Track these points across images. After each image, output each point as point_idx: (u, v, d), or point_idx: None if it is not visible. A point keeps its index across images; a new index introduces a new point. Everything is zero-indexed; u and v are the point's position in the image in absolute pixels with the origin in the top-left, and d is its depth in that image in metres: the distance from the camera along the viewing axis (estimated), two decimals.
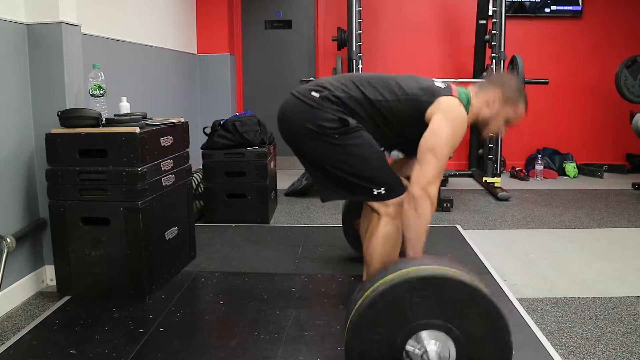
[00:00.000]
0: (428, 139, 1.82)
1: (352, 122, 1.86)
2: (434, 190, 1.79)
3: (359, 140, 1.87)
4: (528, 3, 5.28)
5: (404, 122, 1.89)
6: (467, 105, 1.92)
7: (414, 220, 1.79)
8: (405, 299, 1.36)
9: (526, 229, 3.40)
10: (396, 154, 2.08)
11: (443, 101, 1.86)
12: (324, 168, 1.92)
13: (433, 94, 1.87)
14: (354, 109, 1.88)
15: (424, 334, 1.38)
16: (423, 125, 1.85)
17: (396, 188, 1.89)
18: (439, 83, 1.93)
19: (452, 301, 1.37)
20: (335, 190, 1.97)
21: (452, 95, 1.88)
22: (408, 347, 1.39)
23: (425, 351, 1.37)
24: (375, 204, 1.91)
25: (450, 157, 1.93)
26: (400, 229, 1.90)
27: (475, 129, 2.02)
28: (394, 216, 1.89)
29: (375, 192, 1.88)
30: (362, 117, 1.89)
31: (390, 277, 1.38)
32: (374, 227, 1.93)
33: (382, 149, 1.97)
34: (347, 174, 1.89)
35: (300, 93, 1.94)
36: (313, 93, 1.90)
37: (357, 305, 1.41)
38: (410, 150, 1.96)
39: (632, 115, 4.85)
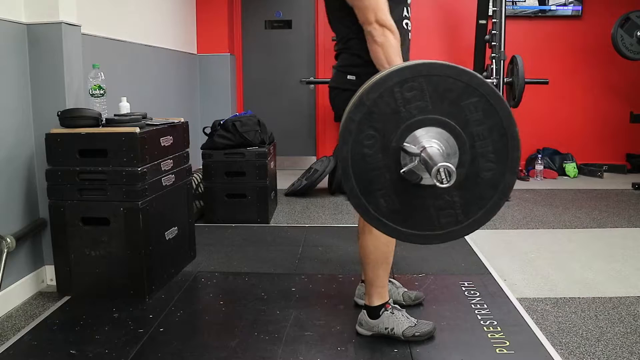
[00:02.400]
0: None
1: None
2: (383, 16, 1.68)
3: None
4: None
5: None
6: None
7: (380, 53, 1.69)
8: (395, 93, 1.22)
9: (526, 229, 3.40)
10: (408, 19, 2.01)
11: None
12: None
13: None
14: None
15: (421, 134, 1.24)
16: None
17: None
18: None
19: (448, 93, 1.22)
20: None
21: None
22: (405, 147, 1.25)
23: (424, 148, 1.22)
24: None
25: None
26: None
27: None
28: None
29: None
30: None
31: (377, 74, 1.26)
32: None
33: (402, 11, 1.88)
34: None
35: (338, 82, 1.89)
36: (349, 77, 1.85)
37: (346, 111, 1.27)
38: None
39: (632, 115, 4.85)
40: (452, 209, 1.29)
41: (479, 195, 1.28)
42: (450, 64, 1.25)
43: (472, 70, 1.25)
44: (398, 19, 1.84)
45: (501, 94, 1.23)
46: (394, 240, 1.92)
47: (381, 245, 1.88)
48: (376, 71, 1.82)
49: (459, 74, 1.23)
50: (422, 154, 1.22)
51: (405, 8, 1.91)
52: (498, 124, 1.24)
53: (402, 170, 1.25)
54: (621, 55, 4.60)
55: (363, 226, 1.92)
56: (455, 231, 1.32)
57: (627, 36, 4.52)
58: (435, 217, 1.29)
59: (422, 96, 1.22)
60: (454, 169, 1.15)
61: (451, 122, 1.23)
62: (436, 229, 1.31)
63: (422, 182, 1.24)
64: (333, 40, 1.98)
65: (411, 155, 1.24)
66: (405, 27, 1.88)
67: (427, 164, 1.20)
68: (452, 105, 1.23)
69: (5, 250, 2.13)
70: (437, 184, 1.16)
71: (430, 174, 1.18)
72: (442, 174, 1.15)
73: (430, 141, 1.23)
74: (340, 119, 1.93)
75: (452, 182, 1.16)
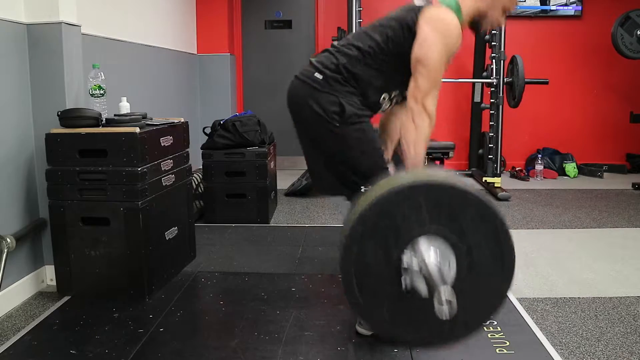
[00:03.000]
0: (416, 51, 1.77)
1: (350, 110, 1.83)
2: (430, 103, 1.74)
3: (359, 134, 1.86)
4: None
5: (402, 56, 1.84)
6: (457, 10, 1.85)
7: (412, 134, 1.74)
8: (395, 210, 1.29)
9: (526, 229, 3.40)
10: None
11: (426, 12, 1.81)
12: (321, 152, 1.92)
13: (416, 12, 1.83)
14: (357, 72, 1.85)
15: (420, 246, 1.30)
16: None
17: None
18: (417, 2, 1.88)
19: (445, 207, 1.30)
20: (328, 180, 1.96)
21: (435, 6, 1.84)
22: (405, 260, 1.31)
23: (424, 262, 1.28)
24: None
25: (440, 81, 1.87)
26: None
27: (475, 26, 1.94)
28: None
29: (362, 190, 1.88)
30: (370, 75, 1.85)
31: (377, 189, 1.32)
32: None
33: (399, 91, 1.94)
34: (341, 163, 1.88)
35: (304, 75, 1.91)
36: (316, 74, 1.88)
37: (347, 226, 1.34)
38: None
39: (632, 115, 4.85)
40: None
41: (476, 300, 1.35)
42: (448, 181, 1.31)
43: (469, 186, 1.31)
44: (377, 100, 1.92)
45: (495, 206, 1.34)
46: None
47: None
48: (339, 82, 1.85)
49: (456, 191, 1.30)
50: (422, 271, 1.29)
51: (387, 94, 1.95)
52: (493, 235, 1.31)
53: (403, 289, 1.32)
54: (621, 54, 4.59)
55: None
56: (456, 336, 1.41)
57: (627, 35, 4.52)
58: (436, 324, 1.34)
59: (420, 211, 1.30)
60: (454, 299, 1.23)
61: (449, 233, 1.30)
62: (437, 334, 1.39)
63: (423, 295, 1.32)
64: (333, 40, 1.97)
65: (411, 273, 1.31)
66: (381, 102, 1.94)
67: (427, 282, 1.28)
68: (449, 218, 1.30)
69: (5, 250, 2.13)
70: (437, 311, 1.24)
71: (432, 298, 1.26)
72: (443, 301, 1.23)
73: (429, 252, 1.29)
74: (291, 105, 1.95)
75: (452, 311, 1.24)
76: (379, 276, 1.33)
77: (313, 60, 1.94)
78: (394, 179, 1.34)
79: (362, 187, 1.87)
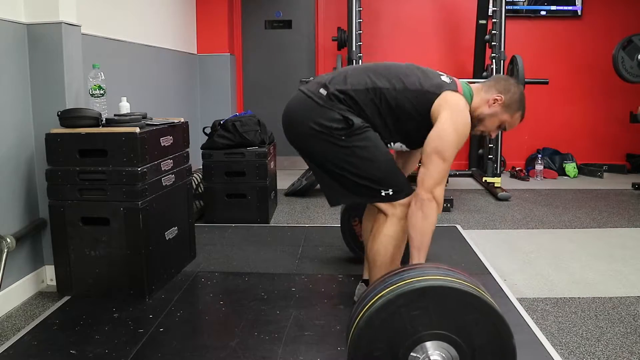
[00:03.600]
0: (434, 140, 1.81)
1: (357, 121, 1.85)
2: (439, 192, 1.79)
3: (366, 142, 1.87)
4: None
5: (409, 113, 1.88)
6: (469, 100, 1.91)
7: (420, 222, 1.78)
8: (402, 313, 1.34)
9: (526, 229, 3.40)
10: (399, 146, 2.06)
11: (450, 98, 1.84)
12: (331, 170, 1.92)
13: (440, 87, 1.86)
14: (359, 102, 1.87)
15: (425, 346, 1.36)
16: (428, 118, 1.85)
17: (404, 189, 1.89)
18: (445, 77, 1.92)
19: (451, 311, 1.36)
20: (342, 193, 1.96)
21: (458, 92, 1.88)
22: None
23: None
24: (383, 205, 1.91)
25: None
26: (405, 230, 1.89)
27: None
28: (400, 217, 1.89)
29: (383, 194, 1.88)
30: (368, 109, 1.87)
31: (386, 290, 1.37)
32: (379, 227, 1.92)
33: (385, 140, 1.96)
34: (354, 175, 1.88)
35: (309, 90, 1.93)
36: (321, 90, 1.89)
37: (355, 323, 1.39)
38: (413, 142, 1.96)
39: (632, 116, 4.85)
40: None
41: None
42: (454, 284, 1.35)
43: (474, 291, 1.35)
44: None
45: (497, 307, 1.39)
46: (404, 243, 1.93)
47: (391, 248, 1.90)
48: (340, 101, 1.88)
49: (462, 295, 1.34)
50: None
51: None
52: (497, 338, 1.36)
53: None
54: (620, 77, 4.57)
55: (376, 231, 1.93)
56: None
57: (627, 59, 4.50)
58: None
59: (426, 314, 1.35)
60: None
61: (453, 336, 1.35)
62: None
63: None
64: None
65: None
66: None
67: None
68: (455, 320, 1.36)
69: (5, 250, 2.13)
70: None
71: None
72: None
73: (434, 353, 1.36)
74: (287, 125, 1.97)
75: None
76: None
77: (322, 76, 1.96)
78: (403, 280, 1.38)
79: (382, 191, 1.87)
